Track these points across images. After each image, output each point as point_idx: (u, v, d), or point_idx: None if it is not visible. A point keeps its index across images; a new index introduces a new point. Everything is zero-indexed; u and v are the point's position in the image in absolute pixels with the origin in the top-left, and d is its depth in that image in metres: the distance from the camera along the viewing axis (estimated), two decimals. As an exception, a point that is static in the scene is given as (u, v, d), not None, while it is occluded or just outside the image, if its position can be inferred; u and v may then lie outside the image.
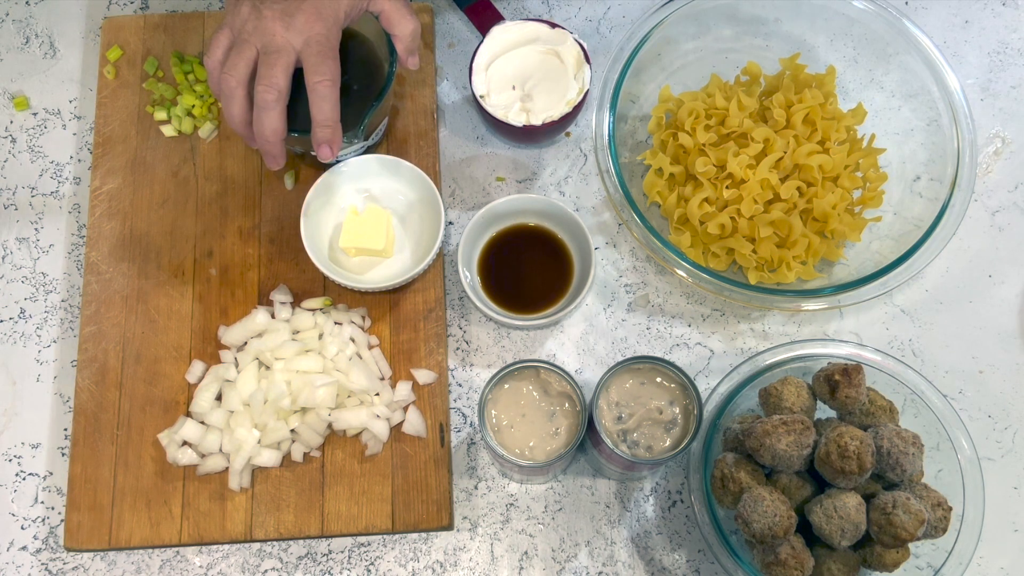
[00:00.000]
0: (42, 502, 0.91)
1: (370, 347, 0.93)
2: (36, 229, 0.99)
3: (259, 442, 0.88)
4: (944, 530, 0.81)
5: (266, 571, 0.89)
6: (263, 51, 0.80)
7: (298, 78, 0.82)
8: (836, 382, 0.81)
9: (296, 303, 0.94)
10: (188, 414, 0.91)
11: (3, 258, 0.98)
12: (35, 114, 1.03)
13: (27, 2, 1.07)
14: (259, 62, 0.81)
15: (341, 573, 0.89)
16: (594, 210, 1.00)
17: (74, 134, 1.02)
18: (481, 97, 0.95)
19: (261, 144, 0.83)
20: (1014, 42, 1.06)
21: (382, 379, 0.92)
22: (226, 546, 0.89)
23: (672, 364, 0.79)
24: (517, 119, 0.94)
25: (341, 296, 0.95)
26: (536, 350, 0.95)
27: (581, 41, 0.96)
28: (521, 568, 0.89)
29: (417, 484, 0.89)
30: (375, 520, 0.88)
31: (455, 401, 0.94)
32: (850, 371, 0.81)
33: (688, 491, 0.91)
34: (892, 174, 0.98)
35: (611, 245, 0.99)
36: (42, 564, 0.89)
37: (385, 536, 0.90)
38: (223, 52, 0.82)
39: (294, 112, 0.84)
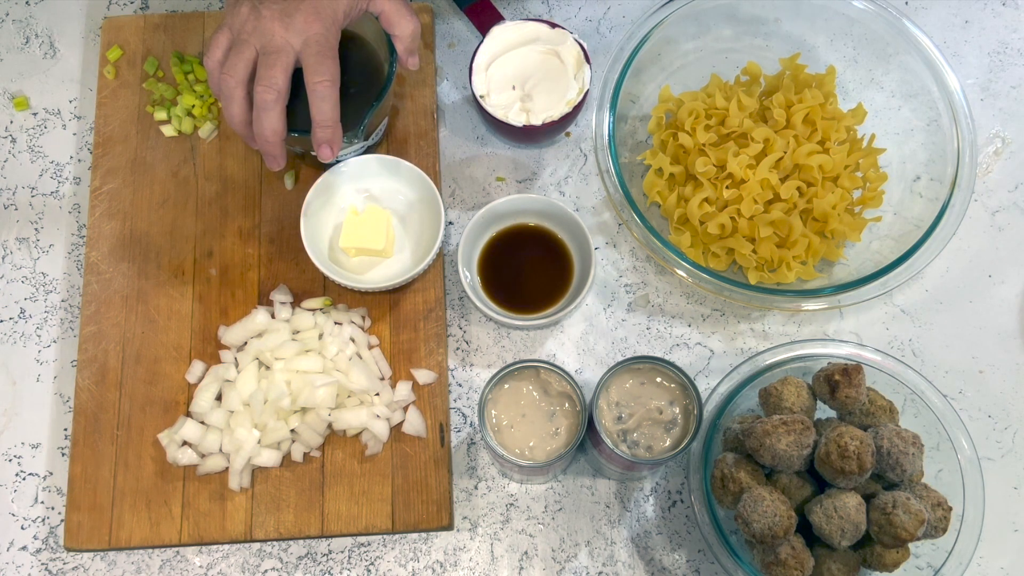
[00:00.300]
0: (42, 502, 0.91)
1: (370, 347, 0.93)
2: (36, 229, 0.99)
3: (259, 442, 0.88)
4: (944, 530, 0.81)
5: (266, 571, 0.89)
6: (262, 51, 0.80)
7: (298, 78, 0.82)
8: (836, 382, 0.81)
9: (296, 303, 0.94)
10: (188, 414, 0.91)
11: (3, 258, 0.98)
12: (35, 114, 1.03)
13: (27, 2, 1.07)
14: (258, 62, 0.81)
15: (341, 573, 0.89)
16: (594, 210, 1.00)
17: (74, 134, 1.02)
18: (481, 97, 0.95)
19: (261, 144, 0.83)
20: (1014, 42, 1.06)
21: (382, 379, 0.92)
22: (226, 546, 0.89)
23: (672, 364, 0.79)
24: (517, 119, 0.94)
25: (341, 296, 0.95)
26: (536, 350, 0.95)
27: (581, 41, 0.96)
28: (521, 568, 0.89)
29: (417, 484, 0.89)
30: (375, 520, 0.88)
31: (455, 401, 0.94)
32: (850, 371, 0.81)
33: (688, 491, 0.91)
34: (892, 174, 0.98)
35: (611, 245, 0.99)
36: (42, 564, 0.89)
37: (385, 536, 0.90)
38: (223, 52, 0.82)
39: (294, 112, 0.85)
